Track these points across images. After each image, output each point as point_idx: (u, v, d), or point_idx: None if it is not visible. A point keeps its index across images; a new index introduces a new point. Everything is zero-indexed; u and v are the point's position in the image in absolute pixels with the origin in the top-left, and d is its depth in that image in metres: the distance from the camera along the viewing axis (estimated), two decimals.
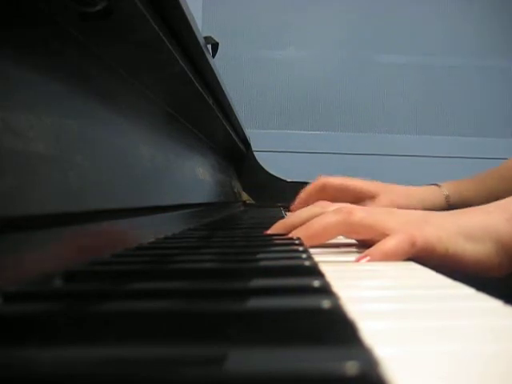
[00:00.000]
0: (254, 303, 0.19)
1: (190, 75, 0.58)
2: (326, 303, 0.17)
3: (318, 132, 2.00)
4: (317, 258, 0.30)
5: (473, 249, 0.41)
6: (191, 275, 0.26)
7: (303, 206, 0.66)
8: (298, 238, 0.42)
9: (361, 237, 0.46)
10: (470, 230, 0.41)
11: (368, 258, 0.38)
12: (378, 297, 0.24)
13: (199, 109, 0.75)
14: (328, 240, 0.46)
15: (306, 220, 0.47)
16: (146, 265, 0.30)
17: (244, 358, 0.14)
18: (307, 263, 0.27)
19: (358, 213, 0.44)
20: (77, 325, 0.17)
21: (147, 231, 0.43)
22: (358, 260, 0.38)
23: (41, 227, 0.25)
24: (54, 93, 0.30)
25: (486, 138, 1.98)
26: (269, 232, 0.51)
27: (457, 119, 2.03)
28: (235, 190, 1.18)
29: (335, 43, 2.02)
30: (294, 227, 0.47)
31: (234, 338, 0.17)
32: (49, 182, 0.27)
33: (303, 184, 0.87)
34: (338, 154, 1.96)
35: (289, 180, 1.36)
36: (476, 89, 2.04)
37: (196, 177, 0.73)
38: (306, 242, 0.41)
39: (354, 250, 0.45)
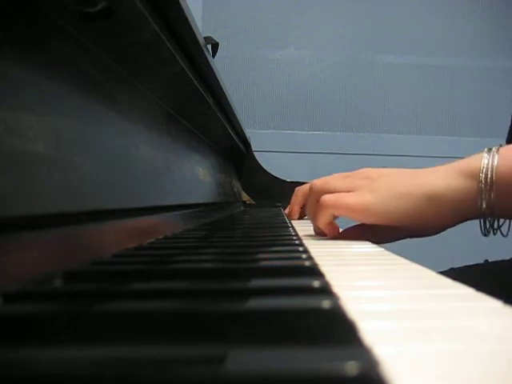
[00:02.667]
0: (254, 303, 0.19)
1: (190, 75, 0.58)
2: (326, 303, 0.17)
3: (318, 132, 2.00)
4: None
5: (401, 205, 0.47)
6: (191, 275, 0.26)
7: (300, 208, 0.70)
8: (299, 238, 0.42)
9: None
10: (400, 190, 0.48)
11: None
12: (377, 297, 0.24)
13: (199, 109, 0.75)
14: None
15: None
16: (145, 265, 0.30)
17: (244, 358, 0.14)
18: (307, 263, 0.27)
19: (325, 198, 0.52)
20: (77, 325, 0.17)
21: (147, 231, 0.43)
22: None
23: (41, 227, 0.25)
24: (54, 93, 0.30)
25: (486, 138, 1.98)
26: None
27: (457, 119, 2.03)
28: (235, 190, 1.18)
29: (335, 43, 2.02)
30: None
31: (234, 338, 0.17)
32: (49, 182, 0.27)
33: (303, 184, 0.87)
34: (338, 154, 1.96)
35: (289, 180, 1.36)
36: (476, 89, 2.04)
37: (196, 177, 0.73)
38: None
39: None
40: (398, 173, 0.51)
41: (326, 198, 0.51)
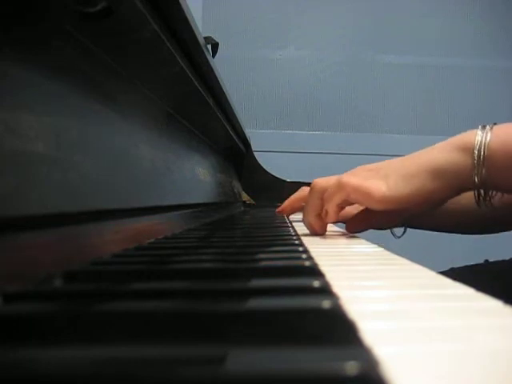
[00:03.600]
0: (254, 303, 0.19)
1: (190, 75, 0.58)
2: (326, 303, 0.17)
3: (318, 132, 2.00)
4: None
5: (410, 185, 0.50)
6: (191, 275, 0.26)
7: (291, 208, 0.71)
8: (299, 238, 0.42)
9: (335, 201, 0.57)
10: (406, 171, 0.51)
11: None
12: (377, 297, 0.24)
13: (199, 109, 0.75)
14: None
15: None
16: (145, 265, 0.30)
17: (244, 358, 0.14)
18: (307, 263, 0.27)
19: (347, 179, 0.54)
20: (77, 325, 0.17)
21: (147, 231, 0.43)
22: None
23: (41, 227, 0.25)
24: (54, 93, 0.30)
25: None
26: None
27: (457, 119, 2.03)
28: (235, 190, 1.18)
29: (335, 43, 2.02)
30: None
31: (234, 338, 0.16)
32: (49, 182, 0.27)
33: (303, 184, 0.87)
34: (338, 154, 1.96)
35: (289, 180, 1.36)
36: (476, 89, 2.04)
37: (196, 177, 0.73)
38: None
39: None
40: (398, 159, 0.54)
41: (348, 179, 0.53)
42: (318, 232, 0.58)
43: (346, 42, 2.02)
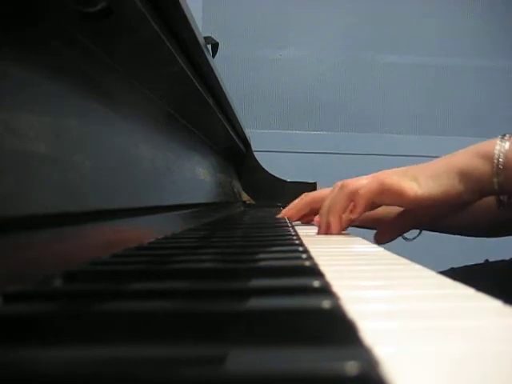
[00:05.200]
0: (254, 303, 0.19)
1: (190, 75, 0.58)
2: (326, 303, 0.17)
3: (318, 132, 2.00)
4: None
5: (440, 184, 0.53)
6: (191, 275, 0.26)
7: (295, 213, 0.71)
8: (299, 238, 0.42)
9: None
10: (436, 171, 0.54)
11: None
12: (377, 297, 0.24)
13: (199, 109, 0.75)
14: (340, 214, 0.59)
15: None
16: (146, 265, 0.30)
17: (244, 358, 0.14)
18: (307, 263, 0.27)
19: (349, 186, 0.58)
20: (77, 325, 0.17)
21: (147, 231, 0.43)
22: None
23: (41, 227, 0.25)
24: (54, 93, 0.30)
25: (486, 138, 1.97)
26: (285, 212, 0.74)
27: (457, 119, 2.03)
28: (235, 190, 1.18)
29: (335, 43, 2.02)
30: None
31: (234, 338, 0.16)
32: (49, 182, 0.27)
33: (303, 184, 0.87)
34: (337, 154, 1.96)
35: (289, 180, 1.36)
36: (476, 89, 2.04)
37: (196, 177, 0.73)
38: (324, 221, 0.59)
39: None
40: (421, 164, 0.57)
41: (383, 178, 0.55)
42: (333, 232, 0.58)
43: (346, 42, 2.02)
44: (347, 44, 2.02)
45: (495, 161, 0.51)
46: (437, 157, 0.57)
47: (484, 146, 0.54)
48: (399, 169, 0.57)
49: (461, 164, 0.53)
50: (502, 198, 0.55)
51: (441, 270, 0.61)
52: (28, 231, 0.24)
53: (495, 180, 0.51)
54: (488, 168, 0.52)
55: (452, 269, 0.75)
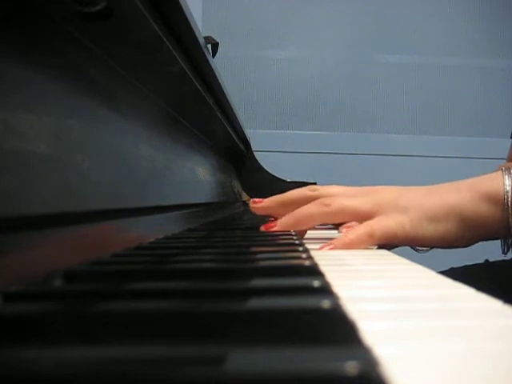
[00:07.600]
0: (254, 303, 0.19)
1: (190, 75, 0.58)
2: (325, 303, 0.17)
3: (318, 132, 2.00)
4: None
5: (435, 229, 0.48)
6: (191, 275, 0.26)
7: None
8: (299, 238, 0.42)
9: (339, 221, 0.53)
10: (433, 212, 0.48)
11: (331, 246, 0.45)
12: (378, 297, 0.24)
13: (199, 109, 0.75)
14: (310, 227, 0.54)
15: (295, 199, 0.55)
16: (146, 265, 0.30)
17: (244, 358, 0.14)
18: (307, 263, 0.27)
19: (335, 203, 0.51)
20: (77, 325, 0.17)
21: (147, 231, 0.43)
22: (321, 248, 0.44)
23: (41, 227, 0.25)
24: (54, 93, 0.30)
25: (486, 138, 1.98)
26: (259, 206, 0.58)
27: (456, 119, 2.03)
28: (235, 190, 1.18)
29: (335, 43, 2.02)
30: (283, 204, 0.56)
31: (234, 338, 0.16)
32: (49, 182, 0.27)
33: (303, 184, 0.87)
34: (338, 154, 1.96)
35: (289, 180, 1.36)
36: (476, 89, 2.04)
37: (196, 177, 0.73)
38: (290, 228, 0.51)
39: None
40: (417, 191, 0.51)
41: (377, 223, 0.48)
42: (290, 229, 0.52)
43: (346, 42, 2.02)
44: (347, 44, 2.02)
45: (509, 204, 0.46)
46: (437, 157, 0.55)
47: (489, 184, 0.48)
48: (393, 192, 0.51)
49: (463, 209, 0.47)
50: (508, 241, 0.49)
51: (441, 270, 0.61)
52: (28, 231, 0.24)
53: (504, 225, 0.46)
54: (498, 213, 0.47)
55: (452, 269, 0.75)
